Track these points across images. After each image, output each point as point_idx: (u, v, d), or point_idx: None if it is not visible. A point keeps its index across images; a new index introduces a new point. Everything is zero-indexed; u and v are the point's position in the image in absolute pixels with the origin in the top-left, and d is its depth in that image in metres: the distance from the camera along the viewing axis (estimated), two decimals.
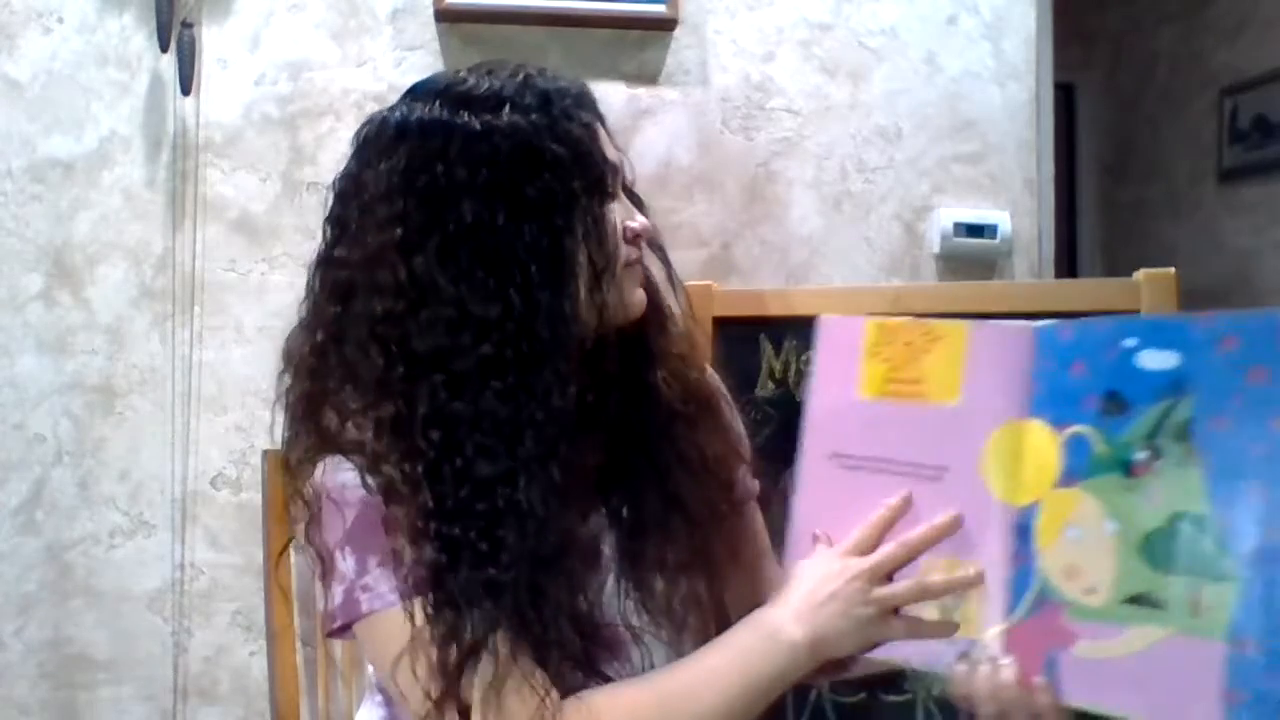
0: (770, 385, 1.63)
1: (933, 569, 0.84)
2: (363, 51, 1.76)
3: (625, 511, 0.91)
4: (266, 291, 1.73)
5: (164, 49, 1.69)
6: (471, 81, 0.87)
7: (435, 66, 1.75)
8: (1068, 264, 3.34)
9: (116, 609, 1.70)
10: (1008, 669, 0.79)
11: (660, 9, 1.78)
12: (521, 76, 0.87)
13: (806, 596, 0.84)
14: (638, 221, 0.91)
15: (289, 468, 0.88)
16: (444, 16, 1.75)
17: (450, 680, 0.79)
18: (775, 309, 1.65)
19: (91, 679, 1.69)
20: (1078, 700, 0.79)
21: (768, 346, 1.64)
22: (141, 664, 1.70)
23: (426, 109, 0.86)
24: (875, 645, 0.85)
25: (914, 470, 0.86)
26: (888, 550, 0.84)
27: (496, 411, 0.81)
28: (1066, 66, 2.40)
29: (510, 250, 0.83)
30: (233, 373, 1.72)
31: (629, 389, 0.94)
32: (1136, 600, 0.78)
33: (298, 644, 1.60)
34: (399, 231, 0.84)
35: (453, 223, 0.83)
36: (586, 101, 0.90)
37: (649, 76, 1.82)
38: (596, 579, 0.89)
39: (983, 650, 0.82)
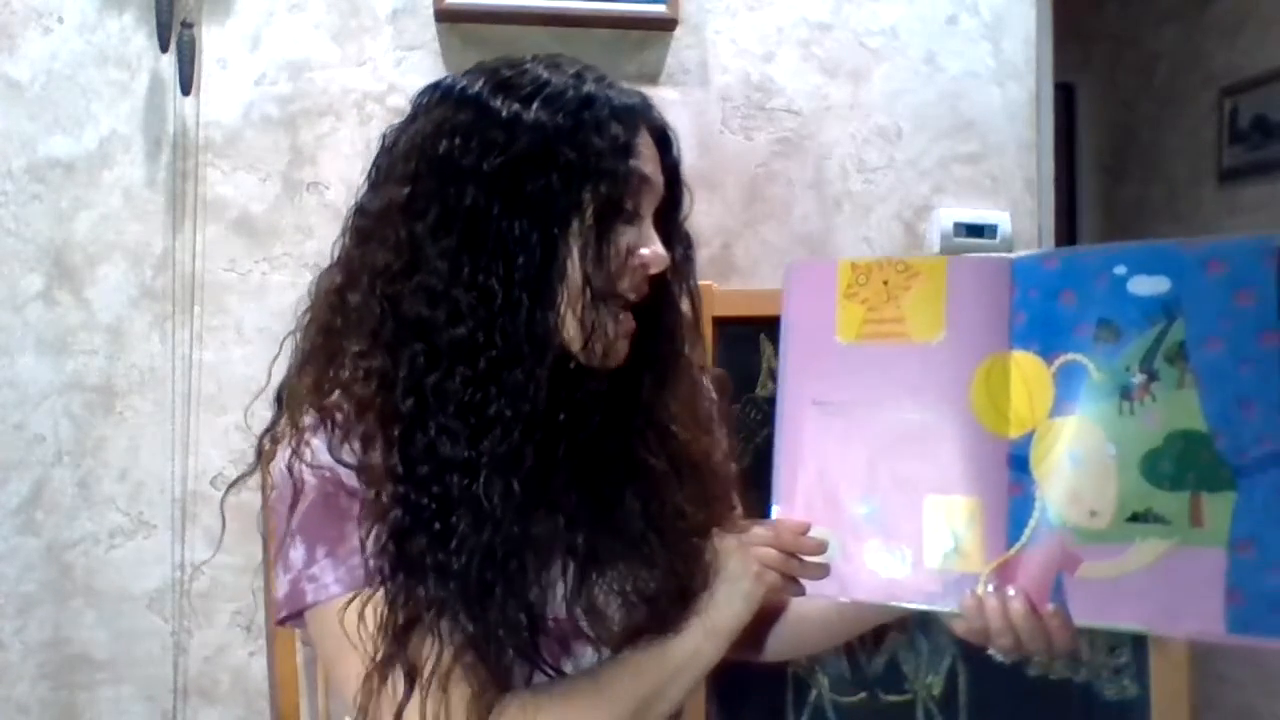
0: (770, 385, 1.64)
1: (932, 506, 0.85)
2: (363, 51, 1.76)
3: (581, 539, 0.89)
4: (266, 291, 1.73)
5: (164, 49, 1.69)
6: (527, 69, 0.86)
7: (435, 66, 1.75)
8: None
9: (116, 609, 1.70)
10: (1017, 599, 0.80)
11: (660, 9, 1.78)
12: (574, 74, 0.86)
13: (716, 581, 0.88)
14: (649, 250, 0.86)
15: (280, 399, 0.88)
16: (444, 16, 1.75)
17: (394, 644, 0.79)
18: (775, 309, 1.64)
19: (91, 679, 1.69)
20: (1086, 620, 0.81)
21: (768, 346, 1.64)
22: (141, 664, 1.70)
23: (474, 83, 0.86)
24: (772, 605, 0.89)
25: (901, 410, 0.87)
26: (757, 531, 0.87)
27: (462, 396, 0.81)
28: (1066, 66, 2.40)
29: (499, 241, 0.82)
30: (233, 373, 1.72)
31: (605, 432, 0.90)
32: (1138, 518, 0.80)
33: (298, 644, 1.60)
34: (406, 192, 0.84)
35: (453, 199, 0.82)
36: (633, 117, 0.86)
37: (649, 76, 1.82)
38: (548, 576, 0.87)
39: (987, 583, 0.82)
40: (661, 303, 0.91)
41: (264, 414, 0.91)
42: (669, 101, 1.81)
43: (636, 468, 0.91)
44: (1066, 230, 3.26)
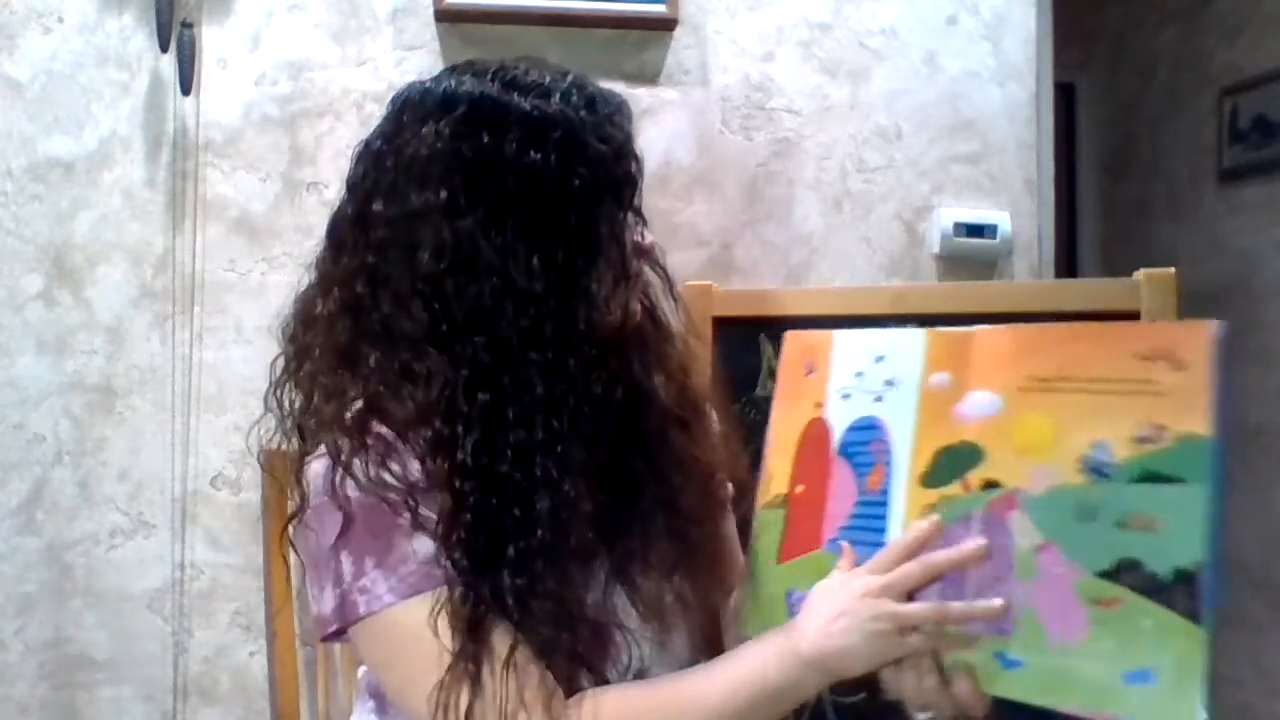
0: (770, 385, 1.61)
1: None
2: (363, 51, 1.76)
3: (618, 512, 0.91)
4: (266, 291, 1.73)
5: (164, 49, 1.69)
6: (518, 69, 0.88)
7: (435, 66, 1.75)
8: (1068, 264, 3.33)
9: (116, 609, 1.70)
10: (931, 672, 0.79)
11: (660, 9, 1.78)
12: (566, 73, 0.89)
13: (819, 614, 0.81)
14: (647, 240, 0.93)
15: (301, 431, 0.88)
16: (444, 16, 1.75)
17: (468, 638, 0.79)
18: (775, 309, 1.65)
19: (91, 679, 1.69)
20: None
21: (768, 346, 1.64)
22: (141, 664, 1.70)
23: (475, 84, 0.87)
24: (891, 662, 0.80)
25: None
26: (906, 568, 0.78)
27: (535, 383, 0.83)
28: (1066, 66, 2.40)
29: (553, 231, 0.84)
30: (233, 373, 1.72)
31: (629, 394, 0.94)
32: None
33: (298, 644, 1.60)
34: (443, 194, 0.84)
35: (499, 194, 0.84)
36: (627, 113, 0.92)
37: (649, 76, 1.82)
38: (591, 576, 0.89)
39: None
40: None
41: (264, 416, 0.90)
42: (669, 101, 1.81)
43: (658, 420, 0.96)
44: (1066, 230, 3.26)
